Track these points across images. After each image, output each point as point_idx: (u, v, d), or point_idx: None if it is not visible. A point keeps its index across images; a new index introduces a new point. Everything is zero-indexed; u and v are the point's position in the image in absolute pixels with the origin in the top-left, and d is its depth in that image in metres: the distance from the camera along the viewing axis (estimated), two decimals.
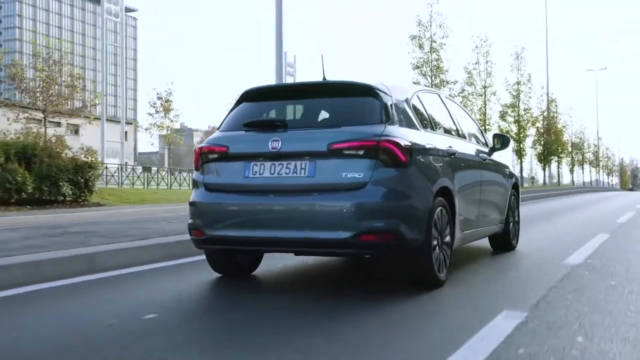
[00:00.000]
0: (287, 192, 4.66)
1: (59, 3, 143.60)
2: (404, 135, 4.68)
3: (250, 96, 5.32)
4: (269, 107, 5.26)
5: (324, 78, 5.32)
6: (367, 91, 4.91)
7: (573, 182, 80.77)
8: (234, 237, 4.79)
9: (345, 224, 4.41)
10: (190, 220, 5.07)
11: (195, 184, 5.14)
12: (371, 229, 4.40)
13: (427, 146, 4.96)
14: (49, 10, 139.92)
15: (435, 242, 4.83)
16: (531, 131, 53.52)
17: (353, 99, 4.96)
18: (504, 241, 7.38)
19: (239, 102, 5.34)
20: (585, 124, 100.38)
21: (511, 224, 7.42)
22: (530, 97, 49.64)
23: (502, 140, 7.18)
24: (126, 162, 44.23)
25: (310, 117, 5.13)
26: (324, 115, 5.09)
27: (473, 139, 6.74)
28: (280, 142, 4.67)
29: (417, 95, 5.47)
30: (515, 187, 7.73)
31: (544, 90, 57.23)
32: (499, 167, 7.22)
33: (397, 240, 4.47)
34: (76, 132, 53.83)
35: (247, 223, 4.76)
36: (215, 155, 5.01)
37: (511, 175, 7.59)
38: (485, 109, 43.53)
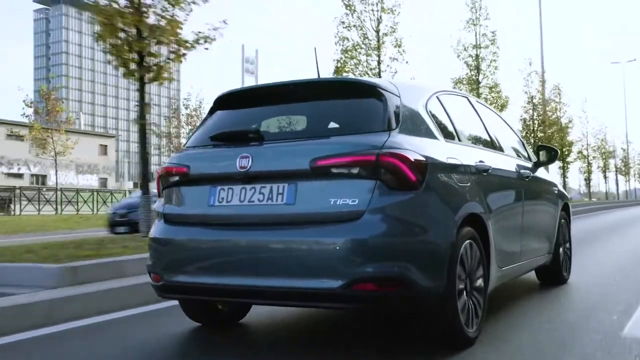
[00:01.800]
0: (260, 225, 3.43)
1: None
2: (416, 147, 3.40)
3: (224, 102, 4.12)
4: (248, 115, 4.01)
5: (318, 76, 4.09)
6: (369, 90, 3.65)
7: (590, 194, 69.71)
8: (195, 284, 3.57)
9: (333, 269, 3.14)
10: (148, 261, 3.87)
11: (156, 215, 3.96)
12: (369, 276, 3.12)
13: (449, 161, 3.66)
14: (94, 49, 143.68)
15: (461, 287, 3.52)
16: (510, 120, 29.93)
17: (351, 101, 3.70)
18: (554, 273, 5.98)
19: (212, 111, 4.16)
20: (608, 123, 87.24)
21: (562, 252, 6.02)
22: (496, 68, 29.34)
23: (548, 153, 5.81)
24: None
25: (295, 126, 3.88)
26: (312, 122, 3.82)
27: (512, 151, 5.39)
28: (250, 160, 3.45)
29: (438, 98, 4.17)
30: (566, 208, 6.32)
31: (533, 68, 38.55)
32: (546, 185, 5.84)
33: (406, 289, 3.18)
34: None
35: (210, 266, 3.53)
36: (176, 178, 3.82)
37: (560, 194, 6.18)
38: (380, 73, 22.37)
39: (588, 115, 59.22)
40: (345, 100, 3.69)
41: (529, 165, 5.52)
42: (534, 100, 38.47)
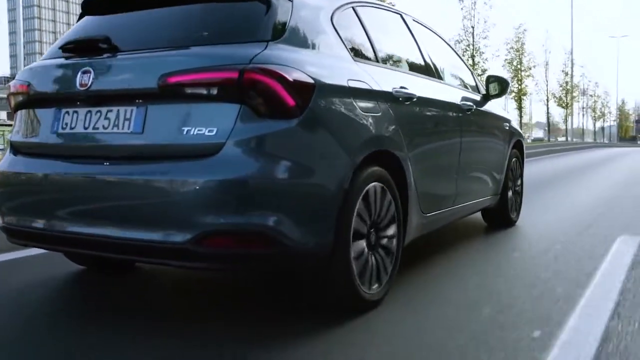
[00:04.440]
0: (102, 159, 2.52)
1: None
2: (301, 63, 2.47)
3: (91, 6, 3.12)
4: (113, 21, 2.97)
5: None
6: None
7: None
8: (32, 229, 2.70)
9: (180, 218, 2.27)
10: None
11: (7, 144, 3.07)
12: (224, 229, 2.25)
13: (352, 84, 2.74)
14: (68, 1, 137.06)
15: (360, 241, 2.67)
16: None
17: (227, 5, 2.69)
18: (501, 215, 5.17)
19: (80, 17, 3.19)
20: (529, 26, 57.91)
21: (510, 193, 5.18)
22: None
23: (499, 85, 4.88)
24: None
25: (157, 33, 2.79)
26: (178, 29, 2.79)
27: (455, 81, 4.46)
28: (91, 75, 2.53)
29: (354, 9, 3.21)
30: (518, 146, 5.45)
31: None
32: (494, 120, 4.94)
33: (275, 247, 2.31)
34: None
35: (47, 208, 2.65)
36: (20, 98, 2.90)
37: (512, 131, 5.29)
38: None
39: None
40: (223, 3, 2.71)
41: (476, 98, 4.60)
42: None
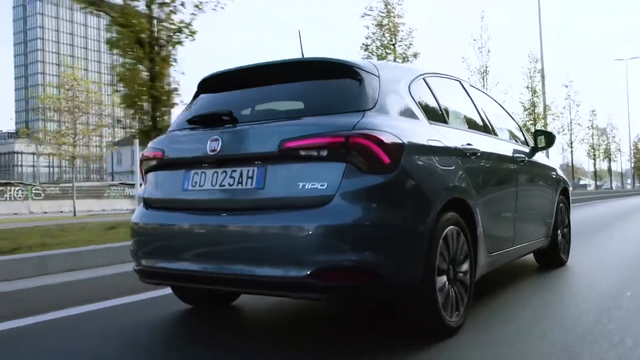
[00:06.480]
0: (229, 211, 2.95)
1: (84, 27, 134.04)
2: (392, 128, 2.88)
3: (207, 85, 3.64)
4: (228, 96, 3.48)
5: (302, 57, 3.58)
6: (346, 70, 3.13)
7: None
8: (168, 270, 3.12)
9: (299, 257, 2.65)
10: (131, 246, 3.44)
11: (138, 200, 3.54)
12: (336, 265, 2.62)
13: (430, 143, 3.13)
14: (73, 56, 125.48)
15: (442, 276, 3.00)
16: None
17: (328, 82, 3.17)
18: (552, 256, 5.40)
19: (196, 94, 3.70)
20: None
21: (559, 236, 5.42)
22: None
23: (546, 138, 5.22)
24: None
25: (271, 107, 3.35)
26: (288, 103, 3.31)
27: (508, 136, 4.80)
28: (220, 143, 2.98)
29: (424, 79, 3.63)
30: (565, 192, 5.72)
31: None
32: (543, 170, 5.24)
33: (376, 280, 2.67)
34: None
35: (181, 252, 3.07)
36: (153, 163, 3.38)
37: (559, 179, 5.58)
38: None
39: None
40: (322, 80, 3.18)
41: (526, 150, 4.93)
42: None
